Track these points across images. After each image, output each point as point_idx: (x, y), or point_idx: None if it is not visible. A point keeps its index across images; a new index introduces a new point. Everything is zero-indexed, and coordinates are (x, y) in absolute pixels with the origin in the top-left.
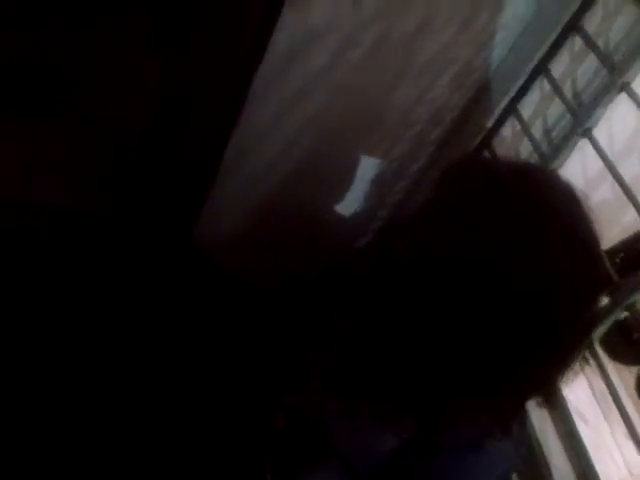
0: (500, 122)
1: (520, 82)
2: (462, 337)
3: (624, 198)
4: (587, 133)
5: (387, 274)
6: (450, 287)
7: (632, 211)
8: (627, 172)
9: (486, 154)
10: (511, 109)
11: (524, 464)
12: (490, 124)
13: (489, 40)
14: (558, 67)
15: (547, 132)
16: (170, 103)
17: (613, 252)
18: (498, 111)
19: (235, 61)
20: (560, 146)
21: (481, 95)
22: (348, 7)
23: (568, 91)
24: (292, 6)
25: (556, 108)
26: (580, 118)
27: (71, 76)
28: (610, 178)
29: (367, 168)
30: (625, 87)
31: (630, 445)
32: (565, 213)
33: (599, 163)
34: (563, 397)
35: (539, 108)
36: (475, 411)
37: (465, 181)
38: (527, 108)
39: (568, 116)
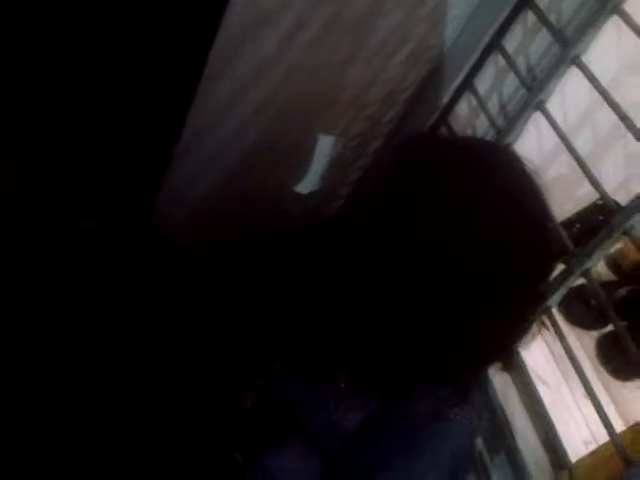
0: (456, 98)
1: (474, 58)
2: (416, 309)
3: (578, 171)
4: (540, 106)
5: (343, 253)
6: (404, 260)
7: (586, 183)
8: (580, 145)
9: (443, 130)
10: (466, 85)
11: (487, 428)
12: (446, 101)
13: (442, 17)
14: (511, 42)
15: (502, 107)
16: (124, 82)
17: (569, 223)
18: (453, 87)
19: (188, 41)
20: (514, 120)
21: (436, 72)
22: None
23: (522, 65)
24: None
25: (511, 83)
26: (534, 91)
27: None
28: (564, 151)
29: (324, 147)
30: (576, 61)
31: (589, 404)
32: (518, 184)
33: (554, 137)
34: (523, 361)
35: (494, 83)
36: (434, 380)
37: (416, 158)
38: (482, 84)
39: (523, 90)
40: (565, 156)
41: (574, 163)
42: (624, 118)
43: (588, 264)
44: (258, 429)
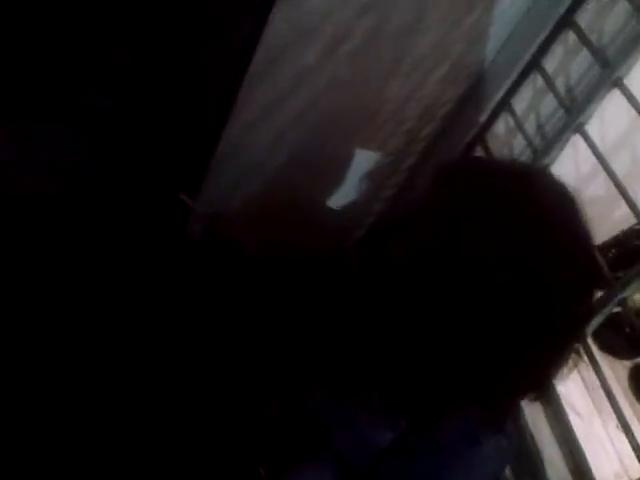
0: (493, 117)
1: (513, 77)
2: (456, 335)
3: (616, 193)
4: (580, 128)
5: (379, 271)
6: (445, 284)
7: (623, 206)
8: (619, 168)
9: (479, 150)
10: (504, 105)
11: (517, 457)
12: (483, 119)
13: (482, 35)
14: (551, 62)
15: (540, 127)
16: (163, 96)
17: (605, 247)
18: (491, 106)
19: (228, 54)
20: (553, 142)
21: (474, 90)
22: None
23: (561, 87)
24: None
25: (549, 104)
26: (573, 114)
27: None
28: (602, 174)
29: (360, 162)
30: (618, 82)
31: (622, 437)
32: (559, 212)
33: (591, 159)
34: (556, 390)
35: (532, 104)
36: (469, 407)
37: (462, 181)
38: (520, 104)
39: (561, 112)
40: (602, 179)
41: (611, 186)
42: None
43: (626, 292)
44: (284, 443)
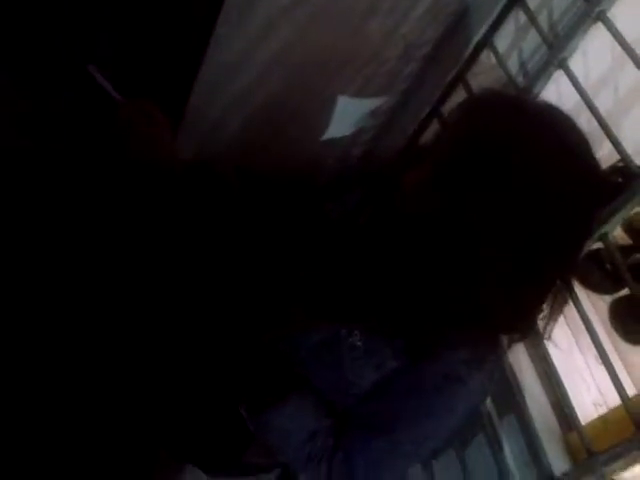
0: (474, 56)
1: (494, 14)
2: (446, 269)
3: (599, 132)
4: (563, 64)
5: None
6: (462, 203)
7: (606, 145)
8: (601, 105)
9: (461, 88)
10: (486, 42)
11: (498, 391)
12: (464, 58)
13: None
14: None
15: (522, 65)
16: (133, 35)
17: None
18: (472, 44)
19: None
20: (536, 78)
21: (455, 29)
22: None
23: (544, 22)
24: None
25: (532, 40)
26: (556, 48)
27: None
28: (585, 111)
29: (339, 105)
30: (601, 16)
31: (601, 368)
32: (578, 139)
33: (574, 96)
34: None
35: (514, 40)
36: (455, 343)
37: (489, 112)
38: (502, 41)
39: (544, 49)
40: (585, 116)
41: (595, 123)
42: None
43: (606, 228)
44: (264, 385)
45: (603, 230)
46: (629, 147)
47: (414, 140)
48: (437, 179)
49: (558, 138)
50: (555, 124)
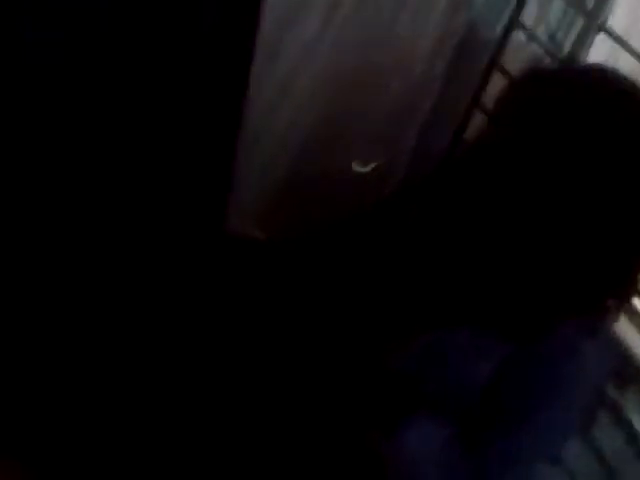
0: (505, 37)
1: None
2: (551, 244)
3: None
4: (602, 28)
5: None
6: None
7: None
8: None
9: (498, 74)
10: (514, 21)
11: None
12: (495, 42)
13: None
14: None
15: (552, 35)
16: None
17: None
18: (500, 28)
19: (231, 37)
20: (576, 45)
21: (479, 15)
22: None
23: None
24: None
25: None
26: (592, 15)
27: None
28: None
29: (378, 114)
30: None
31: None
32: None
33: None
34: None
35: (540, 14)
36: (563, 316)
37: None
38: (528, 17)
39: (571, 14)
40: None
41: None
42: None
43: None
44: (384, 406)
45: None
46: None
47: (459, 135)
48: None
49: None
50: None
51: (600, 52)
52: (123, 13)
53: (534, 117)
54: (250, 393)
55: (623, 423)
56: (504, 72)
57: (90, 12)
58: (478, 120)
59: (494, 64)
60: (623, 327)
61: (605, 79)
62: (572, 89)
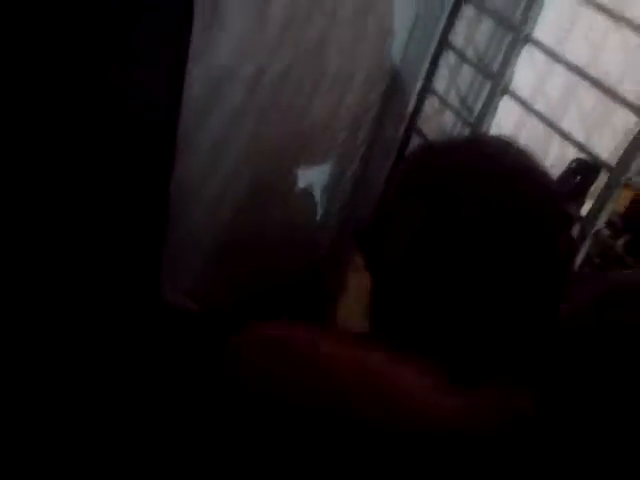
0: (420, 104)
1: (427, 62)
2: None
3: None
4: (506, 91)
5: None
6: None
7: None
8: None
9: (415, 137)
10: (427, 89)
11: None
12: (411, 109)
13: (386, 34)
14: (458, 37)
15: (463, 100)
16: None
17: None
18: (414, 95)
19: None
20: (484, 108)
21: (395, 86)
22: (253, 36)
23: (473, 57)
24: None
25: (466, 75)
26: (497, 79)
27: None
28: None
29: (306, 181)
30: (529, 38)
31: None
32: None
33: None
34: None
35: (451, 80)
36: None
37: (427, 166)
38: (441, 83)
39: (479, 79)
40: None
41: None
42: None
43: (597, 226)
44: None
45: (596, 228)
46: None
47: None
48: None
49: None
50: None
51: (509, 115)
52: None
53: (422, 189)
54: None
55: None
56: (422, 136)
57: None
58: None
59: (412, 129)
60: None
61: (484, 149)
62: (454, 161)
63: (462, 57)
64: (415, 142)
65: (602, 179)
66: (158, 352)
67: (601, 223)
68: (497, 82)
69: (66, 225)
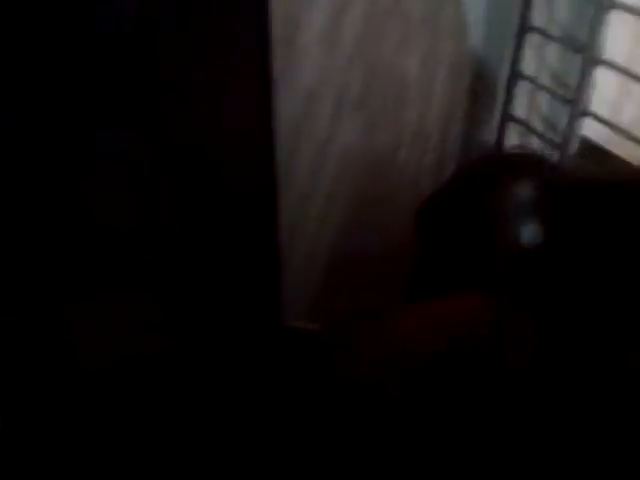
0: (511, 89)
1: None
2: None
3: None
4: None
5: None
6: None
7: None
8: None
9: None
10: (516, 73)
11: None
12: (502, 96)
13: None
14: (540, 17)
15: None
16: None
17: None
18: (503, 82)
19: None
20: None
21: (479, 78)
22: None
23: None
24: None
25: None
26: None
27: None
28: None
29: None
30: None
31: None
32: None
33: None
34: None
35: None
36: None
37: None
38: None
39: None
40: None
41: None
42: None
43: None
44: None
45: None
46: None
47: None
48: None
49: None
50: None
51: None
52: None
53: None
54: None
55: None
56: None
57: None
58: None
59: (506, 116)
60: None
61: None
62: None
63: (547, 36)
64: (512, 130)
65: None
66: (286, 375)
67: None
68: (588, 52)
69: (182, 250)
